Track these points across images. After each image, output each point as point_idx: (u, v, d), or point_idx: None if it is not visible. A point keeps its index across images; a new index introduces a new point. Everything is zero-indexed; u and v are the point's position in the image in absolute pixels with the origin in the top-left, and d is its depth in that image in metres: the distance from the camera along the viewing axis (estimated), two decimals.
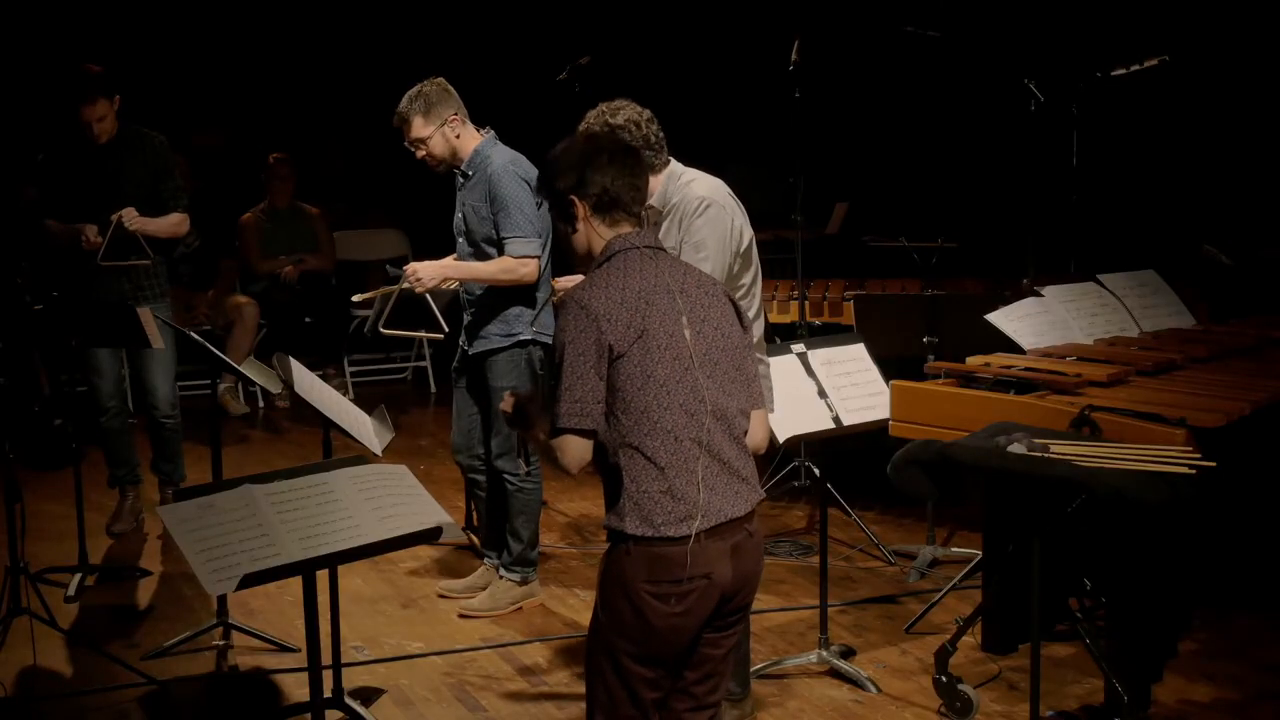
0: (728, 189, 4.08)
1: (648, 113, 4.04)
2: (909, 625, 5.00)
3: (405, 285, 5.01)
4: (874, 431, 4.49)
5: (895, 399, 4.38)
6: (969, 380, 4.40)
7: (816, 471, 5.94)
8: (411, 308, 5.28)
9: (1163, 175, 7.77)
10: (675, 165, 4.08)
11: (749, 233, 4.06)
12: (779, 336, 6.37)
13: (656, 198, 4.01)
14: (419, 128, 5.00)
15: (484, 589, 5.33)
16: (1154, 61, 6.04)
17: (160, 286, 6.09)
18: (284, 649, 4.85)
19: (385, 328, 5.18)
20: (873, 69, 8.81)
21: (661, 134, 4.04)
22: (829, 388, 4.47)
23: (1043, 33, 7.89)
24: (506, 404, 3.05)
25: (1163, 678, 4.17)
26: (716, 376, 2.98)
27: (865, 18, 8.25)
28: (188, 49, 9.37)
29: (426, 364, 9.37)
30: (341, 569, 4.14)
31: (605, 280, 2.94)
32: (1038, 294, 4.98)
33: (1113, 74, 6.10)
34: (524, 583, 5.28)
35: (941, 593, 5.05)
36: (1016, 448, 3.64)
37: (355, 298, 5.53)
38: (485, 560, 5.45)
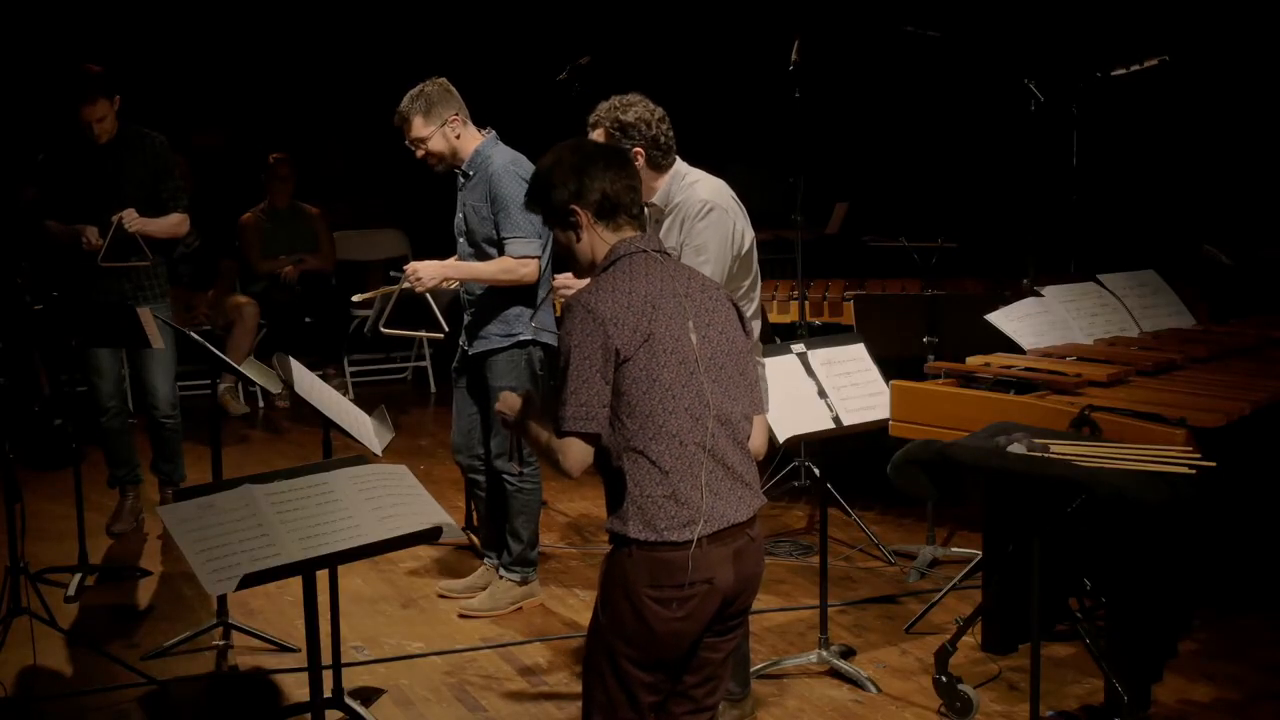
0: (730, 191, 4.06)
1: (660, 111, 4.00)
2: (909, 625, 5.00)
3: (405, 285, 5.01)
4: (874, 431, 4.49)
5: (895, 399, 4.37)
6: (969, 380, 4.39)
7: (816, 471, 5.94)
8: (412, 308, 5.28)
9: (1163, 175, 7.77)
10: (680, 165, 4.06)
11: (750, 236, 4.05)
12: (779, 336, 6.37)
13: (659, 196, 4.00)
14: (419, 127, 5.00)
15: (484, 589, 5.33)
16: (1154, 61, 6.04)
17: (160, 286, 6.09)
18: (284, 649, 4.85)
19: (385, 328, 5.19)
20: (873, 69, 8.80)
21: (671, 134, 4.00)
22: (829, 388, 4.46)
23: (1043, 33, 7.89)
24: (502, 405, 3.05)
25: (1163, 678, 4.17)
26: (721, 381, 2.97)
27: (865, 18, 8.24)
28: (188, 49, 9.37)
29: (426, 364, 9.37)
30: (341, 569, 4.14)
31: (611, 284, 2.93)
32: (1038, 294, 4.98)
33: (1113, 74, 6.09)
34: (524, 583, 5.28)
35: (941, 593, 5.05)
36: (1016, 448, 3.64)
37: (355, 298, 5.52)
38: (485, 560, 5.45)
